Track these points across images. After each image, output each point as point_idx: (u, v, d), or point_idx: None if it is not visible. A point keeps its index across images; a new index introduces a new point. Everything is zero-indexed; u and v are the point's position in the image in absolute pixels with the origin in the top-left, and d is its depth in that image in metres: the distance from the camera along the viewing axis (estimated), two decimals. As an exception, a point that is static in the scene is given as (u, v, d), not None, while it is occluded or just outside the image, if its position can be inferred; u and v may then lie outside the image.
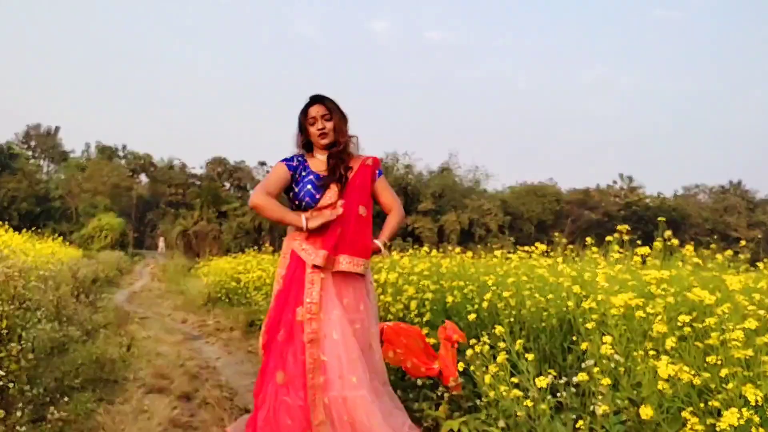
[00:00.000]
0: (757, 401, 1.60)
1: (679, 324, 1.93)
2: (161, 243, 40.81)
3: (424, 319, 3.66)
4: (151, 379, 3.55)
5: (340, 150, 2.60)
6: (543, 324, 3.16)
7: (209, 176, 57.05)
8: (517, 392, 2.45)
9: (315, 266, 2.45)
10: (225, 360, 4.84)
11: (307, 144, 2.65)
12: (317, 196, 2.55)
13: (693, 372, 1.71)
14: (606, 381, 2.11)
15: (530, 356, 2.53)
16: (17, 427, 2.05)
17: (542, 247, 3.97)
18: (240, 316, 6.70)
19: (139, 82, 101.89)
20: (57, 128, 63.38)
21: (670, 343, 1.87)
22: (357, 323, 2.50)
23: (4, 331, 2.37)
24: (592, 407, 2.19)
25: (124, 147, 60.69)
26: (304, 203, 2.55)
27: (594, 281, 2.91)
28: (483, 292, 3.55)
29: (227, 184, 58.03)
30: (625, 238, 3.48)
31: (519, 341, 2.69)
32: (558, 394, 2.44)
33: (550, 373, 2.43)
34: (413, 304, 3.77)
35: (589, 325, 2.38)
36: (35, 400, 2.49)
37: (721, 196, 59.76)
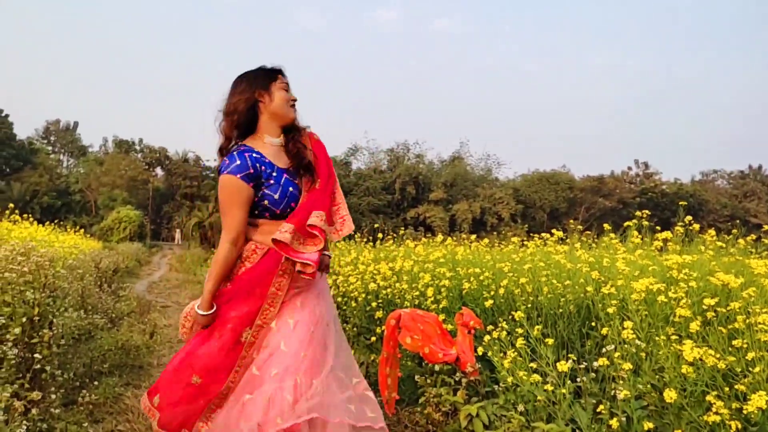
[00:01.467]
0: (782, 384, 1.60)
1: (704, 307, 1.93)
2: (177, 234, 41.29)
3: (441, 305, 3.68)
4: (174, 366, 3.62)
5: (295, 128, 2.11)
6: (560, 310, 3.17)
7: (223, 168, 57.41)
8: (536, 377, 2.47)
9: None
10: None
11: (248, 124, 2.06)
12: (299, 197, 2.04)
13: (718, 356, 1.72)
14: (627, 366, 2.12)
15: (549, 341, 2.55)
16: (51, 410, 2.12)
17: (558, 234, 3.96)
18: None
19: (152, 78, 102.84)
20: (76, 123, 64.34)
21: (694, 326, 1.88)
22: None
23: (36, 318, 2.43)
24: (612, 392, 2.20)
25: (141, 141, 61.25)
26: (279, 212, 2.01)
27: (613, 267, 2.91)
28: (499, 279, 3.56)
29: (240, 176, 58.33)
30: (645, 224, 3.47)
31: (537, 327, 2.71)
32: (577, 380, 2.46)
33: (570, 358, 2.44)
34: (430, 291, 3.79)
35: (610, 310, 2.38)
36: (66, 384, 2.57)
37: (740, 181, 58.90)
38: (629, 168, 57.04)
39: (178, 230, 42.46)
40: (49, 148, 61.78)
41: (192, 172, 58.50)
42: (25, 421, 1.78)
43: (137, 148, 62.46)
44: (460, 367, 3.02)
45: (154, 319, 5.39)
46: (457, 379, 3.09)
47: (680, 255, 2.56)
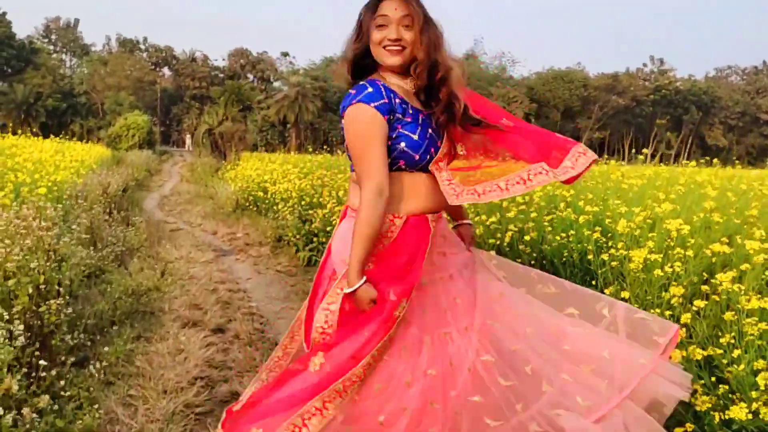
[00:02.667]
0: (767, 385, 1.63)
1: (701, 287, 1.93)
2: (188, 139, 41.28)
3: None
4: (185, 311, 3.71)
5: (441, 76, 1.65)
6: (564, 259, 3.20)
7: (232, 69, 56.17)
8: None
9: None
10: (255, 281, 5.07)
11: (361, 57, 1.69)
12: (439, 144, 1.69)
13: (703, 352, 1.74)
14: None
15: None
16: (60, 382, 2.21)
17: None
18: (268, 230, 6.88)
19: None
20: (76, 21, 62.17)
21: (685, 318, 1.89)
22: None
23: (43, 286, 2.49)
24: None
25: (145, 39, 59.47)
26: (417, 162, 1.65)
27: (614, 225, 2.89)
28: (505, 225, 3.56)
29: (250, 77, 57.23)
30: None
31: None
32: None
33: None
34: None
35: (608, 291, 2.40)
36: (77, 344, 2.67)
37: (753, 77, 57.33)
38: (644, 65, 55.14)
39: (188, 134, 42.34)
40: (51, 47, 60.17)
41: (200, 72, 57.24)
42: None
43: (142, 47, 60.67)
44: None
45: (165, 252, 5.51)
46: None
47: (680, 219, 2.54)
